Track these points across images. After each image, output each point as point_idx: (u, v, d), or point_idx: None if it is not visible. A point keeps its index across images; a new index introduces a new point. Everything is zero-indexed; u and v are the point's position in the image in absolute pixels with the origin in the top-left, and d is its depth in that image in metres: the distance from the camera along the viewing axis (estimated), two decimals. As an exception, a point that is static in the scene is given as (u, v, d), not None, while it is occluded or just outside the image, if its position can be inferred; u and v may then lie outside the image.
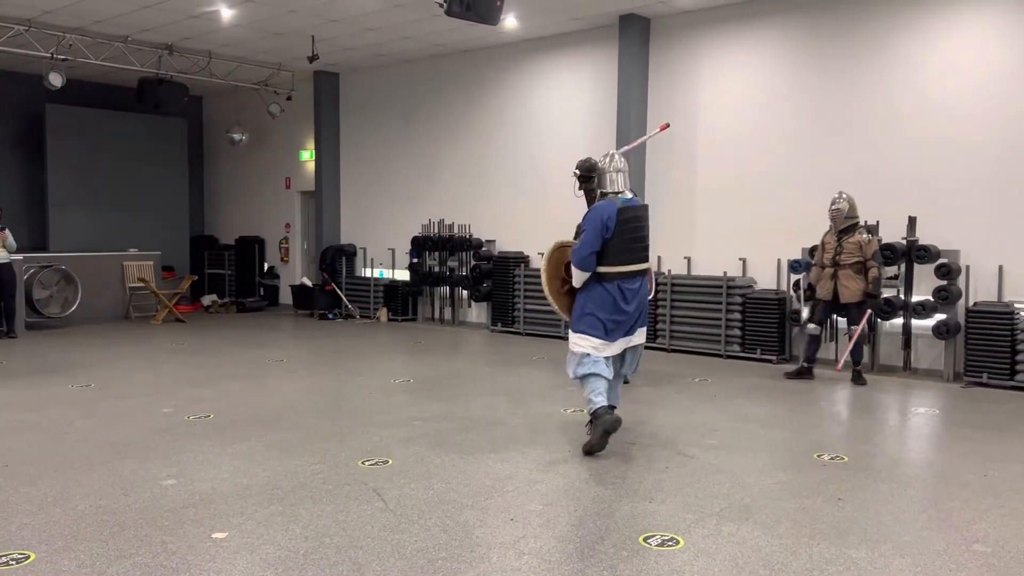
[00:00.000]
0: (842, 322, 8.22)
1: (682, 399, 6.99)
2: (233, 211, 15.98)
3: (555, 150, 11.15)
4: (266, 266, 15.28)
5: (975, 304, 7.79)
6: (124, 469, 4.77)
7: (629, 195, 5.25)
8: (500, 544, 3.68)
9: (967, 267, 7.91)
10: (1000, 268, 7.76)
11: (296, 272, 14.79)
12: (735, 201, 9.55)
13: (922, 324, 8.10)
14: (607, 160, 5.34)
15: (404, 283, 12.80)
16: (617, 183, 5.25)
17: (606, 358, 5.15)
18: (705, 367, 8.60)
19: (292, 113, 13.85)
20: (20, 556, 3.50)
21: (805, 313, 8.51)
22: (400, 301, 12.75)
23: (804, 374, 7.86)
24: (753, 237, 9.40)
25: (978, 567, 3.45)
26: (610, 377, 5.19)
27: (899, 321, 8.15)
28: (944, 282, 7.84)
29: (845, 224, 7.57)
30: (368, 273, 13.54)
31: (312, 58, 11.32)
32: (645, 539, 3.73)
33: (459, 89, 12.28)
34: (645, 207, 5.42)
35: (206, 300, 14.48)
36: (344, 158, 13.99)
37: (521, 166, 11.59)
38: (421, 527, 3.87)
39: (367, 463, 4.90)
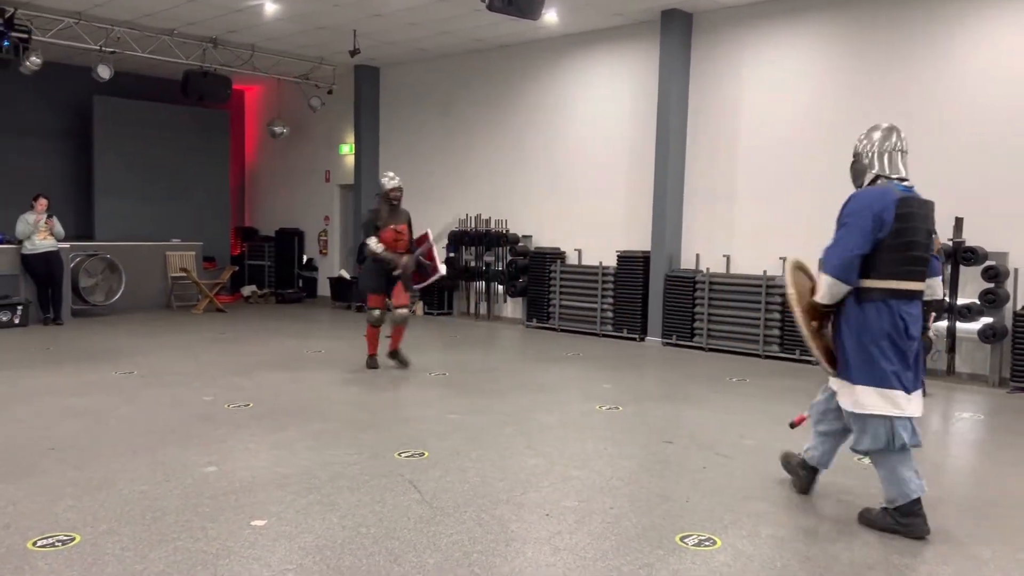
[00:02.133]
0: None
1: (720, 399, 6.92)
2: (273, 203, 16.17)
3: (594, 147, 11.12)
4: (305, 258, 15.44)
5: (1022, 308, 7.60)
6: (166, 455, 4.86)
7: (909, 183, 3.91)
8: (535, 539, 3.68)
9: (1015, 270, 7.72)
10: (1050, 272, 7.57)
11: (334, 265, 14.93)
12: (775, 200, 9.42)
13: (968, 327, 7.92)
14: (884, 134, 3.99)
15: (440, 277, 12.82)
16: (897, 166, 3.91)
17: (910, 419, 3.75)
18: (743, 367, 8.51)
19: (332, 107, 13.97)
20: (65, 538, 3.59)
21: None
22: (436, 295, 12.80)
23: None
24: (793, 236, 9.25)
25: (1015, 565, 3.36)
26: (918, 444, 3.80)
27: (944, 324, 7.98)
28: (991, 285, 7.66)
29: None
30: (405, 266, 13.59)
31: (353, 52, 11.40)
32: (682, 539, 3.70)
33: (498, 84, 12.28)
34: (932, 204, 3.92)
35: (246, 291, 14.69)
36: (383, 152, 14.08)
37: (559, 162, 11.56)
38: (456, 520, 3.88)
39: (403, 455, 4.93)
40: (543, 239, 11.76)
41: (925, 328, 7.13)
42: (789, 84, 9.36)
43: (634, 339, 10.31)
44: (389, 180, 7.70)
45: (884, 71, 8.65)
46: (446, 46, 12.20)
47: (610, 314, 10.60)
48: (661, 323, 10.05)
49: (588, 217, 11.21)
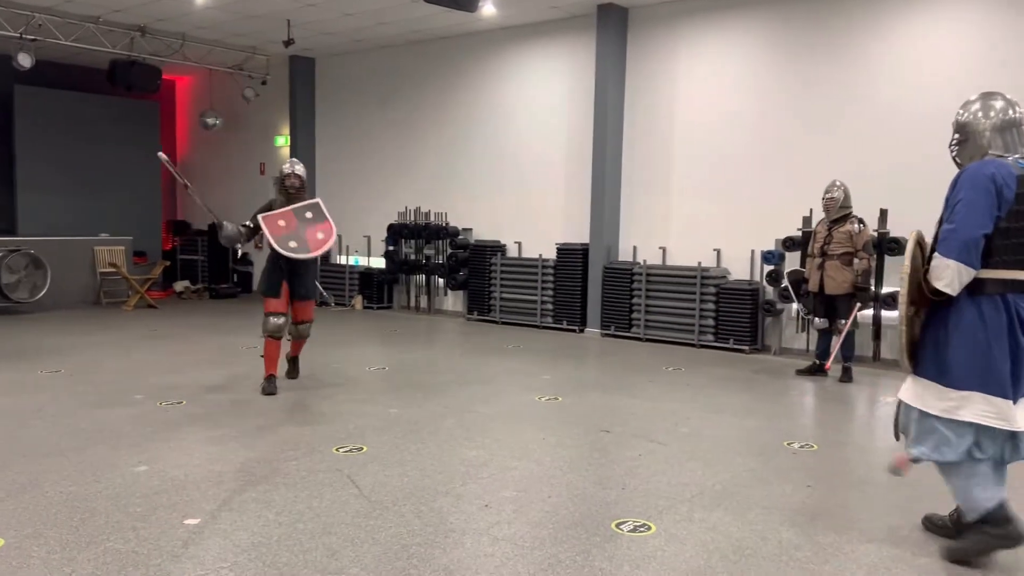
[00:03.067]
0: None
1: (656, 388, 7.05)
2: (207, 196, 15.71)
3: (532, 140, 11.17)
4: (239, 252, 15.13)
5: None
6: (94, 455, 4.72)
7: None
8: (474, 530, 3.70)
9: (936, 259, 8.02)
10: (968, 261, 7.88)
11: (270, 259, 14.65)
12: (710, 192, 9.61)
13: (892, 315, 8.21)
14: (988, 108, 3.40)
15: (380, 271, 12.76)
16: (1007, 142, 3.37)
17: (1010, 432, 3.27)
18: (679, 356, 8.67)
19: (267, 98, 13.72)
20: (-12, 542, 3.47)
21: (800, 308, 8.48)
22: (375, 289, 12.71)
23: (816, 371, 7.58)
24: (727, 228, 9.48)
25: (938, 550, 3.52)
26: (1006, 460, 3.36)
27: (869, 312, 8.26)
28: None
29: (839, 214, 7.36)
30: (343, 260, 13.47)
31: (288, 42, 11.22)
32: (617, 525, 3.77)
33: (437, 76, 12.23)
34: None
35: (179, 286, 14.33)
36: (320, 144, 13.89)
37: (499, 154, 11.58)
38: (395, 513, 3.88)
39: (341, 450, 4.89)
40: (483, 232, 11.77)
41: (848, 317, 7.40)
42: (722, 79, 9.55)
43: (574, 330, 10.41)
44: (287, 166, 6.74)
45: (812, 67, 8.89)
46: (383, 37, 12.09)
47: (550, 306, 10.68)
48: (600, 314, 10.17)
49: (528, 210, 11.27)
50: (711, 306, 9.22)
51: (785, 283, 8.48)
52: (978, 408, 3.23)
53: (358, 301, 12.75)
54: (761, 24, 9.26)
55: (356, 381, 7.13)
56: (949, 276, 3.24)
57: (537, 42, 11.11)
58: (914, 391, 3.41)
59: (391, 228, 12.49)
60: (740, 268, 9.38)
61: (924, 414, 3.35)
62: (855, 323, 7.46)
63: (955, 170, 3.47)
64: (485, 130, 11.72)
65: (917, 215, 8.03)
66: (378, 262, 12.93)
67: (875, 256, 7.73)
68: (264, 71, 13.39)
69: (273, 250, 6.36)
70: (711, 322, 9.22)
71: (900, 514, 4.00)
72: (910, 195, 8.16)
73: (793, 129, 9.01)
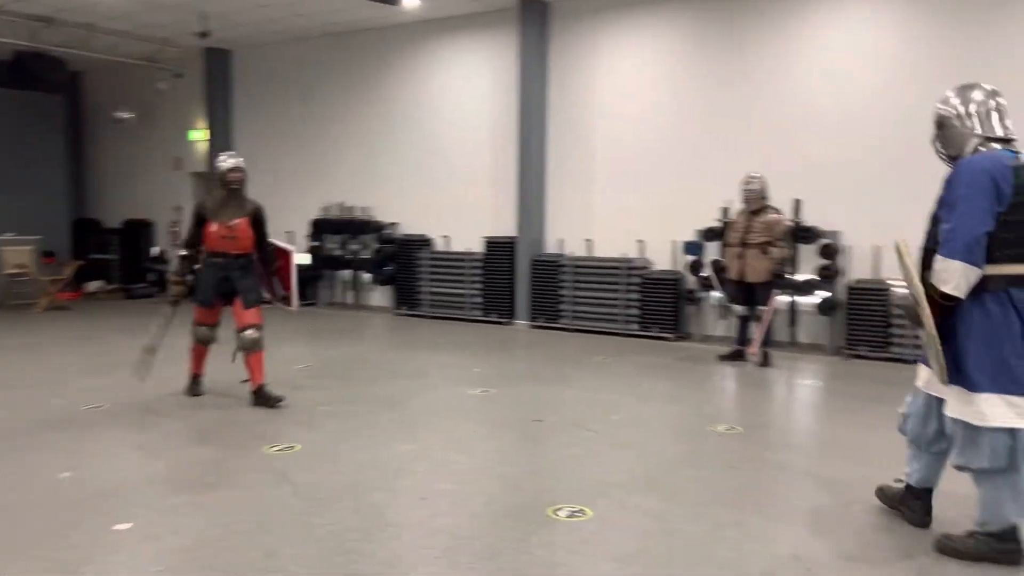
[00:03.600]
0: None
1: (585, 377, 7.18)
2: (119, 193, 15.24)
3: (457, 133, 11.18)
4: (155, 251, 14.67)
5: (855, 282, 8.29)
6: (16, 463, 4.55)
7: (1016, 148, 3.33)
8: (411, 523, 3.73)
9: (848, 247, 8.41)
10: (876, 247, 8.29)
11: (189, 257, 14.25)
12: (633, 184, 9.81)
13: (807, 301, 8.57)
14: (983, 92, 3.36)
15: (304, 267, 12.55)
16: (1004, 126, 3.32)
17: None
18: (606, 346, 8.84)
19: (181, 91, 13.31)
20: (-98, 558, 3.31)
21: (717, 294, 8.73)
22: (300, 285, 12.47)
23: (737, 357, 7.82)
24: (650, 219, 9.69)
25: (860, 525, 3.72)
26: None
27: (786, 298, 8.58)
28: (827, 261, 8.31)
29: (757, 204, 7.60)
30: (266, 257, 13.18)
31: (202, 34, 10.92)
32: (553, 512, 3.85)
33: (360, 69, 12.10)
34: None
35: (92, 287, 13.80)
36: (238, 138, 13.55)
37: (424, 148, 11.54)
38: (332, 510, 3.87)
39: (273, 449, 4.84)
40: (410, 226, 11.72)
41: (764, 303, 7.69)
42: (642, 73, 9.75)
43: (503, 323, 10.48)
44: (227, 159, 6.14)
45: (728, 63, 9.16)
46: (302, 29, 11.88)
47: (479, 299, 10.72)
48: (528, 306, 10.27)
49: (454, 203, 11.27)
50: (636, 296, 9.42)
51: (709, 272, 8.73)
52: (1001, 411, 3.14)
53: (294, 302, 12.50)
54: (679, 20, 9.49)
55: (284, 380, 7.00)
56: (955, 278, 3.13)
57: (460, 35, 11.11)
58: (952, 400, 3.31)
59: (315, 223, 12.32)
60: (662, 258, 9.61)
61: (958, 422, 3.28)
62: (772, 309, 7.77)
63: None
64: (410, 124, 11.66)
65: (828, 204, 8.45)
66: (302, 258, 12.71)
67: (791, 245, 8.04)
68: (178, 63, 12.98)
69: (208, 254, 5.97)
70: (636, 312, 9.43)
71: (822, 493, 4.20)
72: (822, 186, 8.52)
73: (711, 122, 9.27)
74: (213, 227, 5.92)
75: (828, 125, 8.54)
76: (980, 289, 3.17)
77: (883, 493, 3.89)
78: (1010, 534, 3.26)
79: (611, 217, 9.99)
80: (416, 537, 3.57)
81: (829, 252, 8.26)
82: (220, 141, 13.41)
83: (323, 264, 12.28)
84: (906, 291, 3.35)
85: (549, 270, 10.05)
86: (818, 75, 8.63)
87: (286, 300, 6.43)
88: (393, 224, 11.85)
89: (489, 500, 4.03)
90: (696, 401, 6.33)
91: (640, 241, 9.73)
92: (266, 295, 6.31)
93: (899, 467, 4.48)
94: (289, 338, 9.52)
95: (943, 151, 3.47)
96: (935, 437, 3.53)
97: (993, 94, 3.36)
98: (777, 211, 7.68)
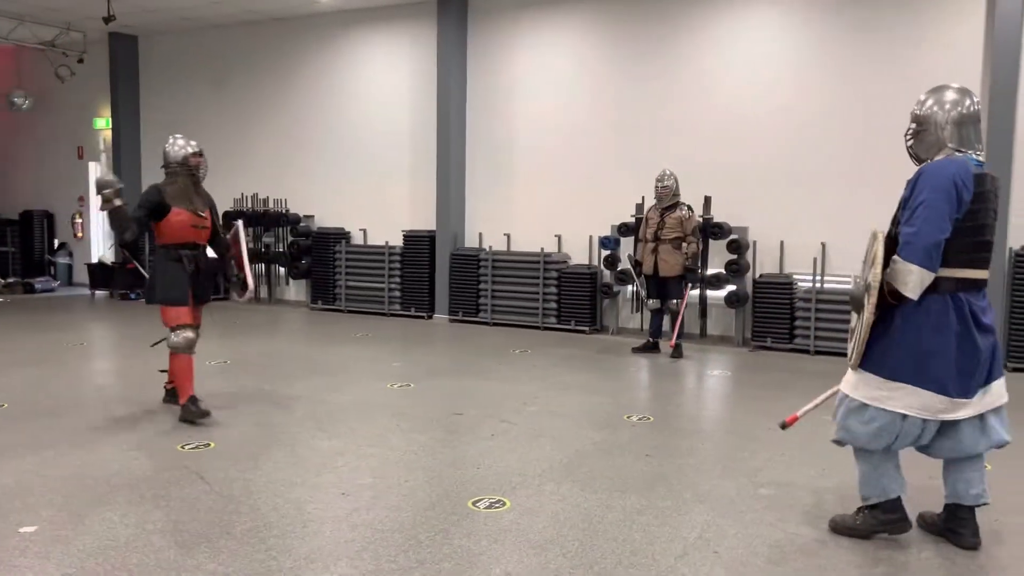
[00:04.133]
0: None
1: (504, 370, 7.26)
2: (15, 182, 14.52)
3: (376, 126, 11.10)
4: (56, 243, 14.04)
5: (761, 276, 8.64)
6: (-96, 468, 4.32)
7: (982, 157, 3.43)
8: (333, 518, 3.72)
9: (754, 242, 8.75)
10: (781, 243, 8.65)
11: (93, 249, 13.73)
12: (550, 179, 9.95)
13: (716, 295, 8.88)
14: (957, 97, 3.40)
15: (215, 260, 12.21)
16: (965, 137, 3.38)
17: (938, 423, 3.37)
18: (525, 339, 8.96)
19: (85, 77, 12.76)
20: None
21: (640, 290, 8.90)
22: (210, 279, 12.15)
23: (650, 349, 8.06)
24: (567, 214, 9.85)
25: (763, 508, 3.92)
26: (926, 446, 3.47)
27: (696, 292, 8.87)
28: (735, 256, 8.63)
29: (670, 201, 7.85)
30: (176, 250, 12.80)
31: (108, 19, 10.49)
32: (474, 503, 3.91)
33: (275, 59, 11.86)
34: (999, 180, 3.48)
35: (-14, 281, 13.12)
36: (146, 128, 13.11)
37: (341, 141, 11.41)
38: (250, 507, 3.83)
39: (187, 447, 4.74)
40: (327, 219, 11.57)
41: (680, 297, 7.94)
42: (560, 69, 9.89)
43: (422, 317, 10.47)
44: (183, 142, 5.58)
45: (646, 59, 9.38)
46: (215, 16, 11.56)
47: (398, 293, 10.68)
48: (448, 300, 10.29)
49: (373, 197, 11.19)
50: (553, 290, 9.57)
51: (627, 266, 8.93)
52: (905, 400, 3.30)
53: (193, 293, 12.16)
54: (598, 17, 9.66)
55: (197, 376, 6.84)
56: (913, 281, 3.23)
57: (379, 27, 11.02)
58: (852, 381, 3.47)
59: (227, 215, 11.99)
60: (579, 253, 9.78)
61: (853, 401, 3.44)
62: (685, 303, 8.05)
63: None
64: (327, 116, 11.51)
65: (735, 201, 8.77)
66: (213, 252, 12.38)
67: (701, 240, 8.32)
68: (80, 48, 12.42)
69: (172, 246, 5.43)
70: (554, 305, 9.58)
71: (730, 477, 4.39)
72: (731, 183, 8.83)
73: (627, 119, 9.48)
74: (180, 216, 5.38)
75: (737, 125, 8.85)
76: (930, 290, 3.27)
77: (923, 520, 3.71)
78: (893, 505, 3.47)
79: (530, 212, 10.11)
80: (338, 531, 3.57)
81: (737, 247, 8.58)
82: (126, 130, 12.95)
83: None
84: (859, 282, 3.46)
85: (468, 264, 10.09)
86: (729, 76, 8.94)
87: (243, 285, 5.88)
88: (309, 217, 11.68)
89: (410, 493, 4.07)
90: (611, 392, 6.50)
91: (558, 236, 9.88)
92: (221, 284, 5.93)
93: (800, 451, 4.72)
94: (202, 334, 9.28)
95: (913, 151, 3.53)
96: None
97: (967, 96, 3.41)
98: (689, 208, 7.94)
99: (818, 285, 8.25)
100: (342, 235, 11.29)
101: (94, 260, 13.04)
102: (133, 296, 12.26)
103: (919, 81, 7.88)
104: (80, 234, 13.90)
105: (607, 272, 9.40)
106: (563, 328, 9.50)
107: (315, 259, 11.33)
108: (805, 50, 8.56)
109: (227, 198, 12.10)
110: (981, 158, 3.39)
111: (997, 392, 3.41)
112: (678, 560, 3.33)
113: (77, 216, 13.89)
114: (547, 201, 9.97)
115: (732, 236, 8.66)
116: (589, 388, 6.59)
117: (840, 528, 3.59)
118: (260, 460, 4.53)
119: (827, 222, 8.45)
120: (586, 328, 9.37)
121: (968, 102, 3.39)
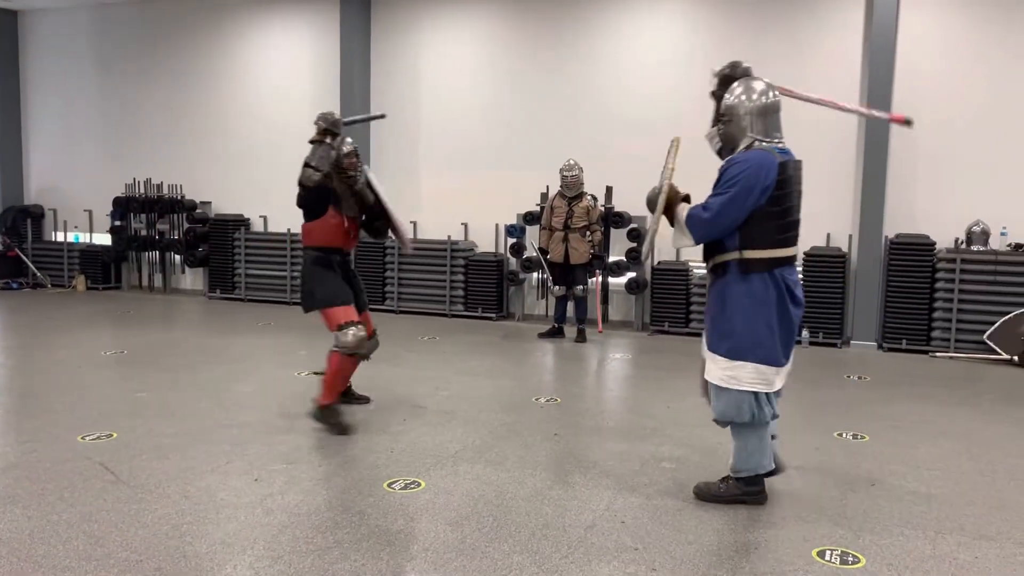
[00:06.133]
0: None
1: (414, 357, 7.31)
2: None
3: (277, 111, 10.88)
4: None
5: (659, 263, 8.97)
6: None
7: (784, 144, 3.69)
8: (247, 504, 3.72)
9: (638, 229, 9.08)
10: (678, 232, 9.01)
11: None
12: (456, 168, 10.02)
13: (617, 281, 9.17)
14: (750, 92, 3.67)
15: (105, 248, 11.74)
16: (767, 127, 3.65)
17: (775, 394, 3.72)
18: (433, 326, 9.02)
19: (-43, 52, 11.97)
20: None
21: (547, 276, 9.07)
22: (101, 268, 11.69)
23: (556, 334, 8.31)
24: (473, 203, 9.94)
25: (666, 480, 4.14)
26: (777, 415, 3.79)
27: (598, 279, 9.13)
28: (634, 244, 8.93)
29: (577, 191, 8.05)
30: (60, 237, 12.21)
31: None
32: (389, 484, 3.98)
33: (168, 39, 11.43)
34: (801, 164, 3.75)
35: None
36: (28, 109, 12.43)
37: (239, 125, 11.13)
38: (160, 495, 3.78)
39: (88, 438, 4.60)
40: (225, 206, 11.27)
41: (586, 283, 8.19)
42: (464, 59, 9.95)
43: (325, 305, 10.34)
44: (343, 142, 5.35)
45: (550, 51, 9.56)
46: (103, -7, 11.06)
47: (299, 282, 10.51)
48: (351, 288, 10.21)
49: (273, 184, 10.93)
50: (460, 278, 9.66)
51: (535, 254, 9.05)
52: (749, 376, 3.59)
53: (80, 282, 11.64)
54: (502, 7, 9.76)
55: (93, 367, 6.62)
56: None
57: (278, 10, 10.78)
58: (708, 366, 3.73)
59: (117, 201, 11.53)
60: (486, 241, 9.90)
61: (712, 384, 3.71)
62: (591, 288, 8.33)
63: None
64: (223, 100, 11.19)
65: (637, 192, 9.04)
66: (102, 238, 11.89)
67: (602, 228, 8.57)
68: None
69: (325, 249, 5.15)
70: (461, 293, 9.67)
71: (632, 453, 4.61)
72: (631, 173, 9.10)
73: (531, 109, 9.64)
74: (335, 219, 5.14)
75: (637, 116, 9.14)
76: (748, 270, 3.58)
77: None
78: (756, 480, 3.79)
79: (437, 200, 10.15)
80: (252, 516, 3.57)
81: (637, 236, 8.88)
82: (5, 111, 12.24)
83: (126, 245, 11.53)
84: (655, 187, 3.77)
85: (374, 252, 10.05)
86: (632, 66, 9.22)
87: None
88: (206, 203, 11.35)
89: (325, 477, 4.09)
90: (519, 375, 6.66)
91: (464, 224, 9.96)
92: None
93: (700, 427, 4.98)
94: (93, 325, 8.94)
95: (721, 142, 3.83)
96: None
97: (768, 88, 3.67)
98: (593, 197, 8.20)
99: (712, 272, 8.63)
100: (241, 222, 11.03)
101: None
102: (15, 286, 11.62)
103: (804, 81, 8.38)
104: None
105: (513, 260, 9.56)
106: (470, 315, 9.60)
107: (213, 247, 11.02)
108: (702, 42, 8.91)
109: (117, 183, 11.62)
110: (783, 145, 3.65)
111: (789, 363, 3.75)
112: (587, 531, 3.50)
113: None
114: (453, 189, 10.04)
115: (632, 225, 8.95)
116: (498, 372, 6.72)
117: (704, 495, 3.86)
118: (167, 449, 4.46)
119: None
120: (493, 315, 9.50)
121: (771, 93, 3.65)
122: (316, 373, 5.79)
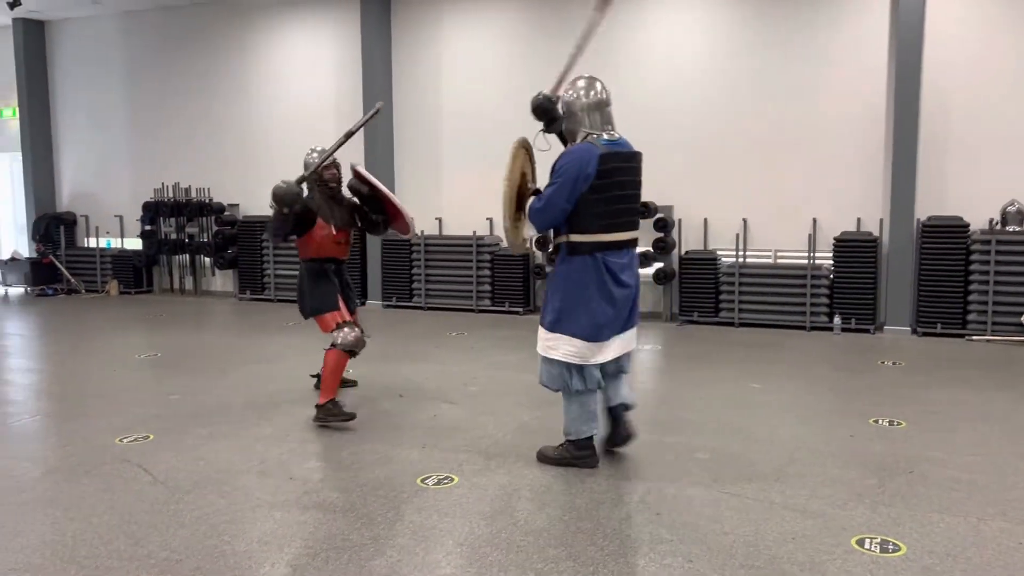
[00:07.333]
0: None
1: (443, 353, 7.33)
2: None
3: (302, 113, 10.95)
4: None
5: (686, 253, 8.91)
6: None
7: (616, 135, 4.05)
8: (283, 502, 3.75)
9: (679, 220, 9.02)
10: (705, 221, 8.94)
11: (4, 244, 13.15)
12: (478, 163, 9.98)
13: (644, 272, 9.11)
14: (584, 90, 4.10)
15: (136, 252, 11.91)
16: (597, 121, 4.03)
17: (598, 366, 4.04)
18: (460, 322, 9.03)
19: (-12, 64, 12.20)
20: None
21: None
22: (133, 272, 11.86)
23: None
24: (498, 198, 9.89)
25: (700, 471, 4.11)
26: (602, 386, 4.13)
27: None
28: (661, 234, 8.87)
29: None
30: (92, 243, 12.40)
31: (13, 3, 10.04)
32: (423, 480, 3.99)
33: (195, 45, 11.54)
34: (638, 155, 4.11)
35: None
36: (58, 117, 12.61)
37: (265, 127, 11.21)
38: (197, 496, 3.82)
39: (125, 440, 4.67)
40: (252, 207, 11.37)
41: None
42: (487, 52, 9.93)
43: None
44: (320, 154, 5.55)
45: (570, 41, 9.47)
46: (128, 1, 11.17)
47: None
48: (380, 286, 10.27)
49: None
50: (487, 273, 9.66)
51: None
52: (564, 349, 3.94)
53: (113, 286, 11.82)
54: (519, 6, 9.73)
55: (127, 370, 6.72)
56: (532, 234, 4.19)
57: (302, 12, 10.84)
58: (538, 336, 4.09)
59: (147, 206, 11.68)
60: (511, 235, 9.88)
61: (539, 353, 4.08)
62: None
63: None
64: (250, 102, 11.28)
65: (661, 181, 9.01)
66: (133, 243, 12.06)
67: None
68: (-18, 34, 11.88)
69: (317, 260, 5.37)
70: (488, 287, 9.67)
71: (665, 444, 4.58)
72: (657, 164, 9.01)
73: (553, 103, 9.59)
74: (323, 231, 5.31)
75: (663, 107, 9.06)
76: (575, 252, 3.92)
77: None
78: (586, 443, 4.10)
79: (460, 196, 10.16)
80: (289, 514, 3.60)
81: (663, 226, 8.82)
82: (37, 119, 12.44)
83: (157, 249, 11.68)
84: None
85: (401, 249, 10.09)
86: (655, 57, 9.14)
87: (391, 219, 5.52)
88: (234, 206, 11.46)
89: (358, 474, 4.12)
90: (548, 370, 6.64)
91: (489, 219, 9.96)
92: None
93: (734, 417, 4.95)
94: (127, 328, 9.07)
95: (562, 135, 4.13)
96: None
97: (595, 83, 4.12)
98: None
99: (740, 260, 8.57)
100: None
101: (4, 257, 12.51)
102: (50, 292, 11.83)
103: (832, 66, 8.27)
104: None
105: (539, 253, 9.54)
106: (497, 310, 9.61)
107: (242, 248, 11.13)
108: (729, 33, 8.82)
109: (146, 188, 11.78)
110: (615, 137, 4.00)
111: (630, 337, 4.13)
112: (622, 523, 3.49)
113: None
114: (476, 184, 10.02)
115: (659, 215, 8.89)
116: (526, 367, 6.69)
117: (542, 457, 4.20)
118: (202, 450, 4.51)
119: (748, 200, 8.77)
120: (520, 309, 9.50)
121: (600, 88, 4.08)
122: (314, 376, 5.86)
